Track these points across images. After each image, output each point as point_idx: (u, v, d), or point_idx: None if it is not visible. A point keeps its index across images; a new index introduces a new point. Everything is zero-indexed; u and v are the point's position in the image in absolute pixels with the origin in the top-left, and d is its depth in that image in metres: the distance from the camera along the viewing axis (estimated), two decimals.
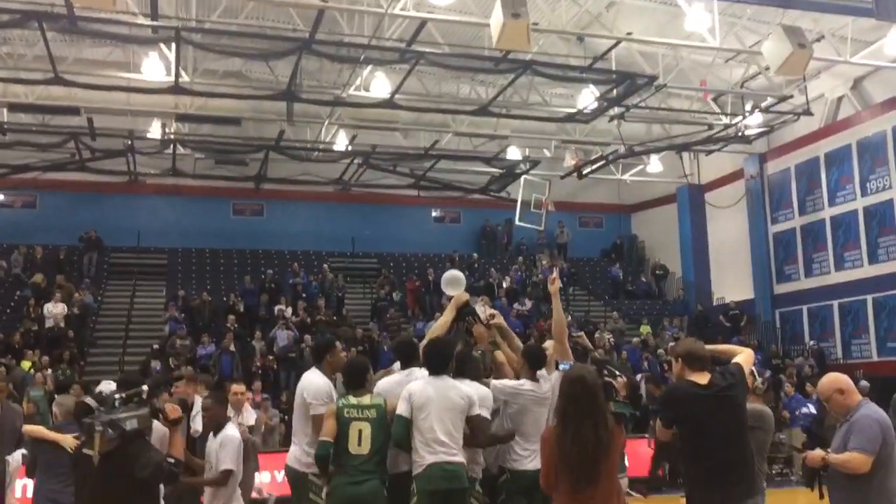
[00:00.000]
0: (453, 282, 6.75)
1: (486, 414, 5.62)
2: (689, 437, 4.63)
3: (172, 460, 4.32)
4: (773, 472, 15.77)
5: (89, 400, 4.44)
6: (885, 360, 19.88)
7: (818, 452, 4.82)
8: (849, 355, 21.12)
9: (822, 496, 4.97)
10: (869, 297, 20.79)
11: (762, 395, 5.85)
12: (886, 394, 17.23)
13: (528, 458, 5.65)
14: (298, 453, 5.90)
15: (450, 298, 6.66)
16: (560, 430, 4.23)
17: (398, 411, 5.58)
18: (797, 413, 16.69)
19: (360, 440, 5.52)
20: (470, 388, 5.65)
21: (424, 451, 5.46)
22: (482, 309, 6.58)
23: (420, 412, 5.51)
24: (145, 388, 4.47)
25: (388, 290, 22.42)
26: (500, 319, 6.46)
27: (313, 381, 5.98)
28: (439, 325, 6.44)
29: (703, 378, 4.66)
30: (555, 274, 6.73)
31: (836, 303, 21.74)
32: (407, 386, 5.65)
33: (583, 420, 4.17)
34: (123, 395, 4.39)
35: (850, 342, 21.32)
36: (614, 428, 4.31)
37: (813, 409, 16.23)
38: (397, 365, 6.30)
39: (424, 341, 6.22)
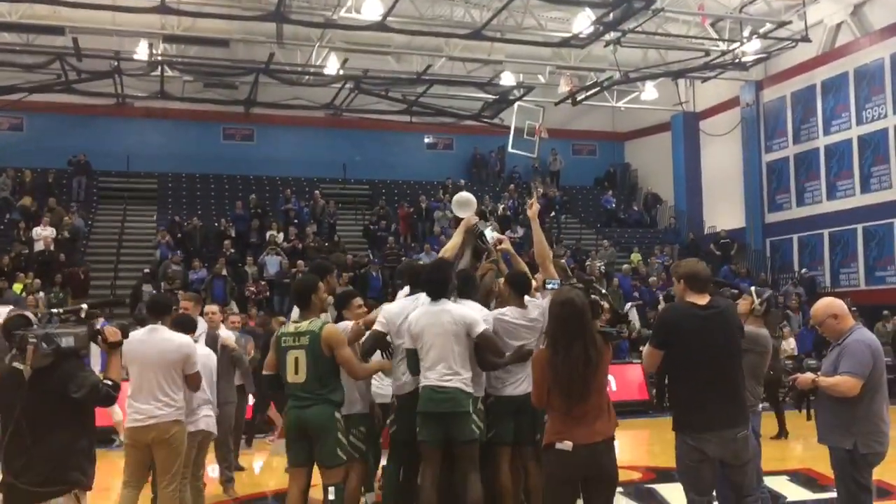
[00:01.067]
0: (464, 203, 6.71)
1: (486, 334, 5.58)
2: (681, 358, 4.62)
3: (110, 382, 4.11)
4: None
5: (28, 313, 4.31)
6: (873, 289, 20.09)
7: (808, 376, 4.84)
8: (837, 284, 21.32)
9: (809, 418, 5.04)
10: (859, 227, 20.87)
11: (761, 317, 5.73)
12: (873, 321, 17.60)
13: (513, 384, 5.67)
14: None
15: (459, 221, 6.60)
16: (551, 352, 4.32)
17: (406, 345, 5.68)
18: None
19: (297, 368, 5.47)
20: (468, 311, 5.63)
21: (422, 376, 5.57)
22: (491, 234, 6.54)
23: (417, 340, 5.59)
24: (84, 306, 4.28)
25: (384, 223, 22.17)
26: (507, 245, 6.42)
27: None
28: (448, 248, 6.41)
29: (702, 299, 4.68)
30: (533, 199, 6.67)
31: (826, 232, 21.83)
32: (408, 318, 5.70)
33: (573, 341, 4.26)
34: (61, 311, 4.22)
35: (838, 271, 21.50)
36: (602, 346, 4.36)
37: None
38: (406, 290, 6.33)
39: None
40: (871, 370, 4.70)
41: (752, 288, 6.07)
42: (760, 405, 5.81)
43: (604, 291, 5.71)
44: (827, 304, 5.01)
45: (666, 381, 5.54)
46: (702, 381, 4.54)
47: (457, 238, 6.41)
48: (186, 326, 6.10)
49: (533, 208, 6.44)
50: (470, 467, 5.48)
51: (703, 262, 5.08)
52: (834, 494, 7.31)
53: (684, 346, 4.59)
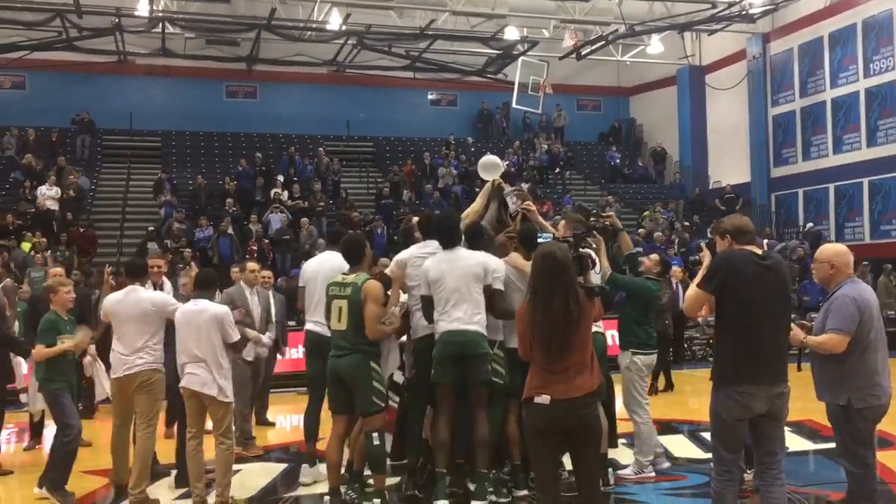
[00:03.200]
0: (490, 166, 6.78)
1: (498, 285, 5.74)
2: (734, 307, 4.43)
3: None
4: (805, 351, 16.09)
5: None
6: (878, 243, 20.08)
7: (798, 333, 4.80)
8: (842, 238, 21.25)
9: (799, 369, 5.06)
10: (865, 181, 20.79)
11: None
12: (877, 275, 17.62)
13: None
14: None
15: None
16: (531, 305, 4.28)
17: (421, 292, 5.83)
18: None
19: (340, 316, 5.75)
20: (485, 256, 5.81)
21: (441, 320, 5.70)
22: (513, 200, 6.59)
23: (435, 285, 5.70)
24: None
25: (389, 189, 21.92)
26: (532, 207, 6.58)
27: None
28: (472, 212, 6.50)
29: (757, 249, 4.59)
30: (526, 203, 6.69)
31: (831, 186, 21.75)
32: (422, 266, 5.82)
33: (553, 295, 4.19)
34: None
35: (843, 225, 21.47)
36: (584, 300, 4.30)
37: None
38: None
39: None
40: (860, 324, 4.65)
41: (765, 242, 6.07)
42: None
43: (594, 246, 5.75)
44: (832, 253, 4.91)
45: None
46: (756, 332, 4.38)
47: (479, 202, 6.47)
48: (208, 284, 6.27)
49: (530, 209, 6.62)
50: (480, 407, 5.68)
51: (745, 217, 5.00)
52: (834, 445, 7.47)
53: (741, 293, 4.38)
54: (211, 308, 6.02)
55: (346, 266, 5.98)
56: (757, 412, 4.41)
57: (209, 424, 6.10)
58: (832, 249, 4.98)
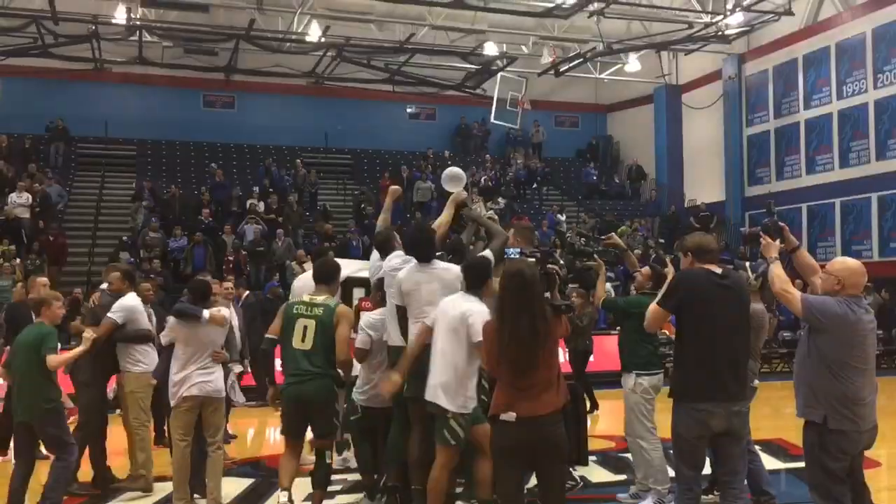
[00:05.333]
0: (453, 179, 6.76)
1: None
2: (693, 324, 4.47)
3: None
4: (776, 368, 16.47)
5: None
6: None
7: (771, 247, 4.72)
8: (814, 257, 21.29)
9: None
10: (837, 201, 21.05)
11: (757, 292, 5.65)
12: None
13: None
14: None
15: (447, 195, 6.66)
16: (499, 323, 4.28)
17: (394, 302, 5.81)
18: None
19: (304, 336, 5.66)
20: (457, 268, 5.71)
21: (410, 333, 5.62)
22: (478, 208, 6.61)
23: (409, 297, 5.65)
24: None
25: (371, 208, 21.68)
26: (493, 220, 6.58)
27: (302, 277, 6.98)
28: (439, 224, 6.46)
29: (716, 269, 4.59)
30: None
31: (804, 206, 21.99)
32: (395, 279, 5.78)
33: (520, 313, 4.19)
34: None
35: (816, 245, 21.67)
36: (552, 318, 4.31)
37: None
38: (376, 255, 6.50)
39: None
40: (842, 339, 4.38)
41: (747, 263, 6.05)
42: (756, 380, 5.77)
43: (561, 262, 5.70)
44: (842, 269, 4.54)
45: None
46: (713, 350, 4.40)
47: (446, 214, 6.46)
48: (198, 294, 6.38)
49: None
50: None
51: (709, 235, 4.97)
52: (803, 463, 7.49)
53: (699, 311, 4.44)
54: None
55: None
56: (716, 430, 4.41)
57: None
58: (844, 266, 4.60)
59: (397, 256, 6.00)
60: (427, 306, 5.56)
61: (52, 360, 5.87)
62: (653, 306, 4.68)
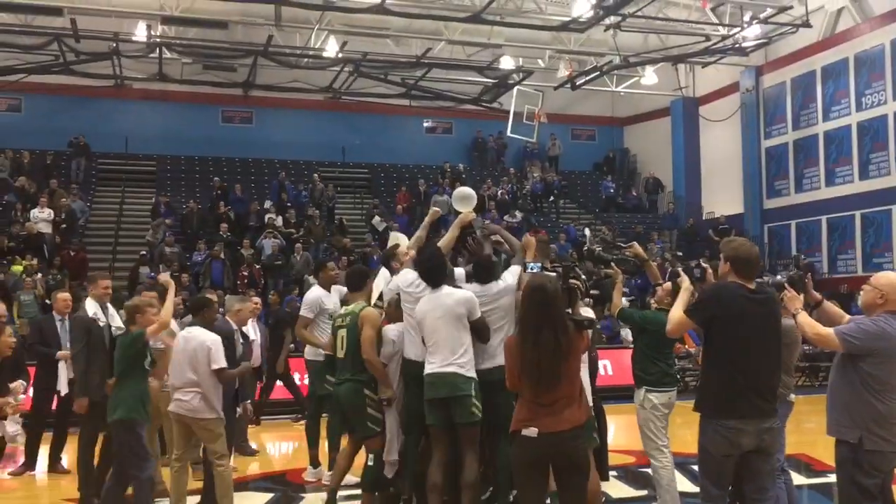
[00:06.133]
0: (465, 199, 6.76)
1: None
2: (723, 340, 4.37)
3: None
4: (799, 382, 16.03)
5: None
6: (870, 275, 20.01)
7: (795, 301, 4.64)
8: (835, 270, 21.36)
9: None
10: (857, 213, 20.88)
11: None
12: None
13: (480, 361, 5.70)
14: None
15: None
16: (521, 338, 4.28)
17: (393, 331, 6.02)
18: None
19: (342, 345, 6.12)
20: (468, 293, 5.70)
21: (427, 362, 5.65)
22: (481, 233, 6.60)
23: (419, 326, 5.69)
24: None
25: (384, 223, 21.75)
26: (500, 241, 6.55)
27: (309, 292, 7.37)
28: (443, 242, 6.45)
29: (749, 283, 4.45)
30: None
31: (824, 218, 21.84)
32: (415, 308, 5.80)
33: (542, 327, 4.20)
34: None
35: (836, 257, 21.53)
36: (574, 333, 4.30)
37: None
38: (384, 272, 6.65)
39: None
40: (881, 359, 4.34)
41: (777, 277, 5.93)
42: (792, 395, 5.66)
43: (583, 277, 5.61)
44: (887, 283, 4.52)
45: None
46: (744, 367, 4.31)
47: (451, 234, 6.46)
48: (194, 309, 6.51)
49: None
50: (469, 448, 5.56)
51: (752, 244, 4.73)
52: (828, 479, 7.40)
53: (730, 328, 4.34)
54: (201, 336, 6.12)
55: (324, 296, 6.74)
56: (745, 448, 4.33)
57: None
58: (889, 281, 4.55)
59: (410, 272, 5.99)
60: (432, 335, 5.59)
61: (150, 329, 5.99)
62: (680, 314, 4.55)
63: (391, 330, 6.15)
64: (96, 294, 7.28)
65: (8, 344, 5.52)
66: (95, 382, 6.84)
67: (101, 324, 7.12)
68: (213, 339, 6.10)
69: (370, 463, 5.96)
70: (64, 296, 8.63)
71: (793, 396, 5.68)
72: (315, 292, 7.54)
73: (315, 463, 7.82)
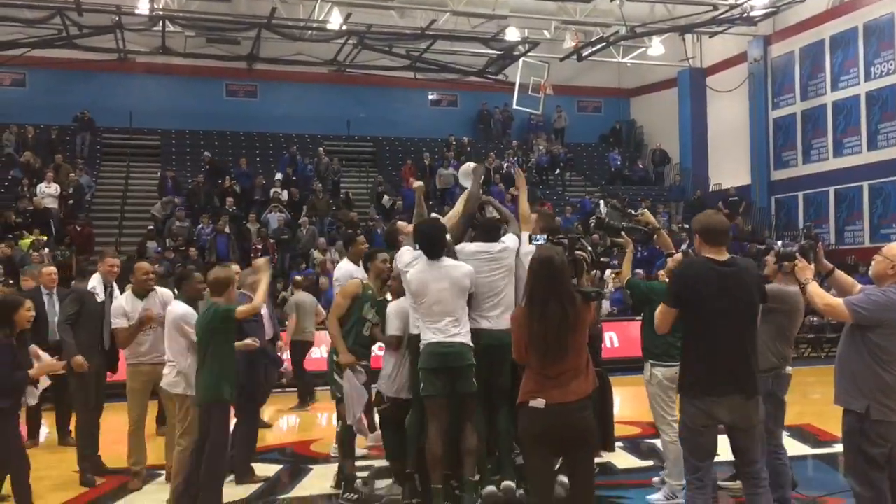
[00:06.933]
0: (470, 174, 6.74)
1: None
2: (693, 317, 4.35)
3: None
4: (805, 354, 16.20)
5: None
6: (878, 246, 19.76)
7: (806, 270, 4.60)
8: (842, 241, 21.29)
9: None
10: (865, 184, 20.77)
11: (790, 274, 5.20)
12: None
13: (481, 319, 5.79)
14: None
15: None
16: (528, 310, 4.27)
17: (408, 303, 5.88)
18: None
19: None
20: (468, 266, 5.77)
21: (426, 332, 5.64)
22: (489, 210, 6.60)
23: (418, 297, 5.65)
24: None
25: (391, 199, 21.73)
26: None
27: (340, 267, 7.21)
28: (450, 218, 6.45)
29: (720, 255, 4.40)
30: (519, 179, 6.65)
31: (831, 189, 21.73)
32: (407, 276, 5.77)
33: (549, 300, 4.20)
34: None
35: (843, 228, 21.45)
36: (581, 305, 4.28)
37: None
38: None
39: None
40: (888, 326, 4.34)
41: (779, 243, 5.81)
42: (789, 367, 5.59)
43: (589, 248, 5.56)
44: None
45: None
46: (715, 342, 4.28)
47: (458, 207, 6.45)
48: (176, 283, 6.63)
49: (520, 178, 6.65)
50: (468, 419, 5.66)
51: (720, 213, 4.75)
52: (833, 449, 7.42)
53: (699, 304, 4.30)
54: (176, 309, 6.18)
55: (355, 271, 6.60)
56: (722, 420, 4.31)
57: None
58: None
59: (408, 252, 5.97)
60: (435, 305, 5.58)
61: (240, 309, 5.73)
62: (661, 306, 4.52)
63: (401, 304, 6.17)
64: (103, 271, 7.28)
65: (27, 317, 5.53)
66: (85, 346, 6.89)
67: (99, 299, 7.10)
68: (181, 314, 6.10)
69: (338, 430, 6.30)
70: (49, 270, 8.57)
71: (789, 369, 5.61)
72: (345, 267, 7.15)
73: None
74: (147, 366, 6.76)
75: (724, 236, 4.45)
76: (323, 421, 10.59)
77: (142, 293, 6.84)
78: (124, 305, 6.80)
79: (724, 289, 4.29)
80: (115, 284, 7.38)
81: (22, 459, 5.38)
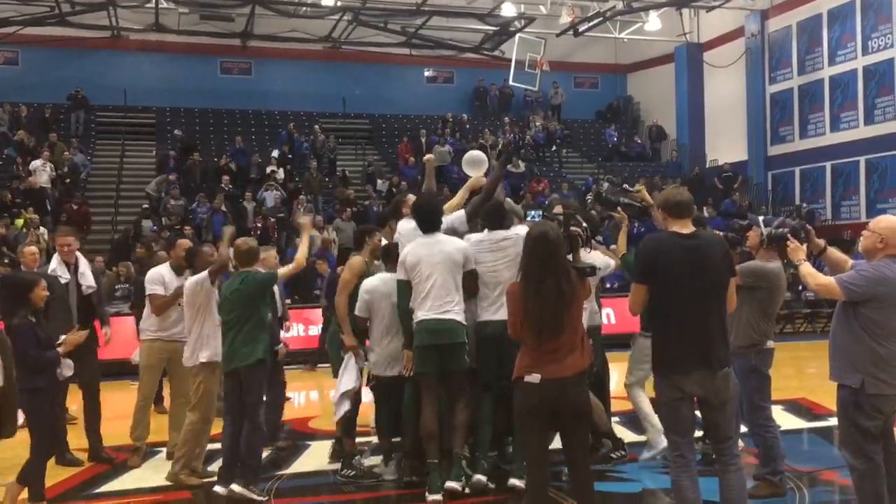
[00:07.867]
0: (475, 163, 6.69)
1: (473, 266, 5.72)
2: (658, 292, 4.27)
3: None
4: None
5: None
6: None
7: (798, 251, 4.62)
8: (838, 216, 21.31)
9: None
10: (862, 159, 20.75)
11: (773, 250, 5.26)
12: None
13: (485, 310, 5.73)
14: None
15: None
16: (523, 286, 4.27)
17: (398, 276, 5.75)
18: None
19: None
20: (464, 245, 5.71)
21: (419, 308, 5.60)
22: None
23: (413, 271, 5.61)
24: None
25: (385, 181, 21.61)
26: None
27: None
28: (451, 206, 6.39)
29: (684, 228, 4.34)
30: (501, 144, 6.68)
31: (828, 164, 21.71)
32: (400, 257, 5.75)
33: (545, 275, 4.19)
34: None
35: (840, 203, 21.45)
36: (576, 281, 4.29)
37: None
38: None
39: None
40: (881, 304, 4.32)
41: (760, 218, 5.76)
42: (770, 342, 5.59)
43: (585, 225, 5.52)
44: (887, 227, 4.43)
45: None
46: (680, 316, 4.23)
47: (459, 197, 6.43)
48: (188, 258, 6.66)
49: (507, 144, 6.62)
50: (460, 395, 5.66)
51: (683, 187, 4.76)
52: (828, 423, 7.47)
53: (664, 278, 4.23)
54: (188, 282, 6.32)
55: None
56: (692, 393, 4.27)
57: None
58: (889, 224, 4.46)
59: (405, 222, 5.97)
60: (428, 280, 5.54)
61: (281, 270, 6.39)
62: (632, 285, 4.44)
63: (369, 281, 6.14)
64: (58, 251, 7.07)
65: (41, 296, 5.54)
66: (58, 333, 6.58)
67: (63, 280, 6.85)
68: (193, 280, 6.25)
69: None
70: (30, 249, 8.48)
71: (771, 343, 5.60)
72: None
73: None
74: (162, 342, 6.78)
75: (687, 209, 4.39)
76: (320, 397, 10.61)
77: (179, 269, 6.87)
78: (164, 275, 6.82)
79: (690, 262, 4.23)
80: (80, 256, 7.13)
81: (52, 441, 5.57)
